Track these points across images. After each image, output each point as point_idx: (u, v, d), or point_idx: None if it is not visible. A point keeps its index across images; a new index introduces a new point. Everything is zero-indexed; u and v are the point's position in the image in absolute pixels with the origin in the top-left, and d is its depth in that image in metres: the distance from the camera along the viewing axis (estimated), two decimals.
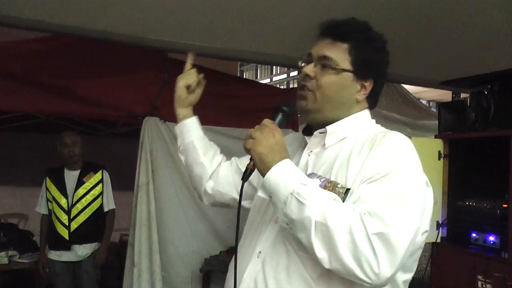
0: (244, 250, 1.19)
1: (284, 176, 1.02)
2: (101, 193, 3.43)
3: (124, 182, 3.64)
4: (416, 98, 6.22)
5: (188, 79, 1.39)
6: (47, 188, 3.40)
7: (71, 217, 3.31)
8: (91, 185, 3.41)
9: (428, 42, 2.42)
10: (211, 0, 2.06)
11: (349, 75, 1.15)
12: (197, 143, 1.42)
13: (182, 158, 1.46)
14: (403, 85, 5.81)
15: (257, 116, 1.21)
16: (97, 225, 3.40)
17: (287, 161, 1.05)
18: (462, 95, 3.08)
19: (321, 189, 1.04)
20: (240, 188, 1.10)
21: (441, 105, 2.95)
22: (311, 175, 1.13)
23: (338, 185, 1.06)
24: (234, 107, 3.43)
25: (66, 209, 3.32)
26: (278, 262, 1.09)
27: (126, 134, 4.38)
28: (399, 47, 2.55)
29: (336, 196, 1.02)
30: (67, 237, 3.29)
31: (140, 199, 3.13)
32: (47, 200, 3.40)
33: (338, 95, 1.16)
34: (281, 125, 1.14)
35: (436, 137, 2.84)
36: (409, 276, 1.14)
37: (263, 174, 1.05)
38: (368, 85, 1.18)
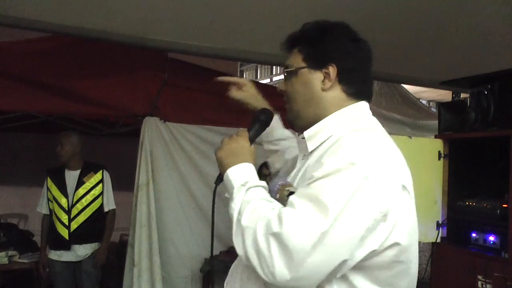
0: None
1: (233, 177, 1.08)
2: (101, 193, 3.43)
3: (124, 182, 3.64)
4: (416, 98, 6.22)
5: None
6: (48, 188, 3.40)
7: (71, 217, 3.31)
8: (91, 185, 3.40)
9: (428, 42, 2.42)
10: (211, 0, 2.06)
11: (305, 70, 1.15)
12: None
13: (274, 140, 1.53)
14: (403, 85, 5.81)
15: None
16: (97, 225, 3.40)
17: (242, 165, 1.10)
18: (462, 95, 3.08)
19: (257, 190, 1.05)
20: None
21: (441, 105, 2.95)
22: (276, 179, 1.18)
23: (286, 188, 1.09)
24: (234, 107, 3.41)
25: (66, 209, 3.32)
26: None
27: (126, 134, 4.38)
28: (399, 47, 2.56)
29: (267, 197, 1.05)
30: (67, 237, 3.29)
31: (140, 199, 3.13)
32: (48, 200, 3.41)
33: (302, 92, 1.16)
34: (258, 133, 1.22)
35: (436, 137, 2.84)
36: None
37: (222, 176, 1.13)
38: (332, 70, 1.13)
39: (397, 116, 5.03)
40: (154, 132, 3.18)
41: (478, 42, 2.36)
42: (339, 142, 1.02)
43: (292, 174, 1.22)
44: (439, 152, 2.76)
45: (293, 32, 1.21)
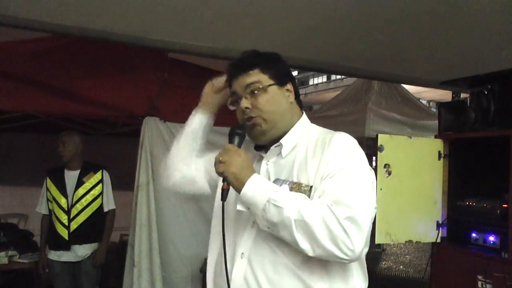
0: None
1: (258, 188, 1.19)
2: (101, 193, 3.43)
3: (124, 182, 3.64)
4: (416, 98, 6.22)
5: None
6: (47, 188, 3.40)
7: (71, 217, 3.31)
8: (91, 185, 3.40)
9: (428, 42, 2.42)
10: (211, 0, 2.06)
11: (275, 87, 1.35)
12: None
13: (181, 139, 1.56)
14: (403, 85, 5.81)
15: None
16: (97, 226, 3.40)
17: (256, 175, 1.22)
18: (462, 95, 3.08)
19: (291, 192, 1.20)
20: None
21: (441, 105, 2.96)
22: (276, 181, 1.29)
23: (302, 185, 1.24)
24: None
25: (66, 209, 3.32)
26: (263, 259, 1.25)
27: (126, 134, 4.38)
28: (399, 47, 2.56)
29: (304, 195, 1.20)
30: (66, 237, 3.29)
31: (140, 199, 3.13)
32: (48, 200, 3.40)
33: (278, 106, 1.35)
34: (239, 146, 1.32)
35: (436, 137, 2.84)
36: (366, 250, 1.28)
37: (239, 190, 1.21)
38: (291, 87, 1.39)
39: (397, 116, 5.04)
40: (154, 132, 3.17)
41: (478, 42, 2.36)
42: (333, 141, 1.27)
43: (271, 176, 1.34)
44: (439, 152, 2.76)
45: (246, 57, 1.40)
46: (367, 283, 1.35)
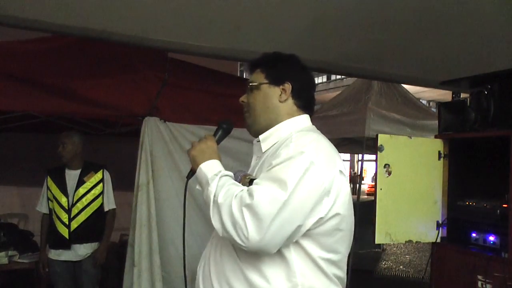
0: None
1: (206, 170, 1.34)
2: (101, 193, 3.44)
3: (124, 182, 3.64)
4: (416, 98, 6.22)
5: None
6: (48, 187, 3.41)
7: (72, 217, 3.31)
8: (92, 185, 3.41)
9: (428, 42, 2.42)
10: (211, 0, 2.06)
11: (266, 85, 1.47)
12: None
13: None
14: (403, 85, 5.82)
15: None
16: (97, 225, 3.41)
17: (212, 161, 1.37)
18: (462, 95, 3.08)
19: (227, 178, 1.32)
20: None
21: (441, 105, 2.96)
22: (238, 171, 1.43)
23: (247, 177, 1.37)
24: (234, 107, 3.41)
25: (67, 208, 3.32)
26: (218, 243, 1.40)
27: (126, 134, 4.38)
28: (399, 47, 2.56)
29: (236, 182, 1.32)
30: (67, 237, 3.29)
31: (140, 199, 3.12)
32: (48, 199, 3.41)
33: (263, 104, 1.47)
34: (221, 138, 1.50)
35: (436, 137, 2.84)
36: (331, 256, 1.32)
37: (194, 171, 1.39)
38: (287, 86, 1.46)
39: (397, 116, 5.04)
40: (154, 132, 3.17)
41: (478, 42, 2.36)
42: (290, 138, 1.33)
43: (249, 170, 1.49)
44: (439, 152, 2.76)
45: (258, 57, 1.53)
46: (331, 283, 1.32)
